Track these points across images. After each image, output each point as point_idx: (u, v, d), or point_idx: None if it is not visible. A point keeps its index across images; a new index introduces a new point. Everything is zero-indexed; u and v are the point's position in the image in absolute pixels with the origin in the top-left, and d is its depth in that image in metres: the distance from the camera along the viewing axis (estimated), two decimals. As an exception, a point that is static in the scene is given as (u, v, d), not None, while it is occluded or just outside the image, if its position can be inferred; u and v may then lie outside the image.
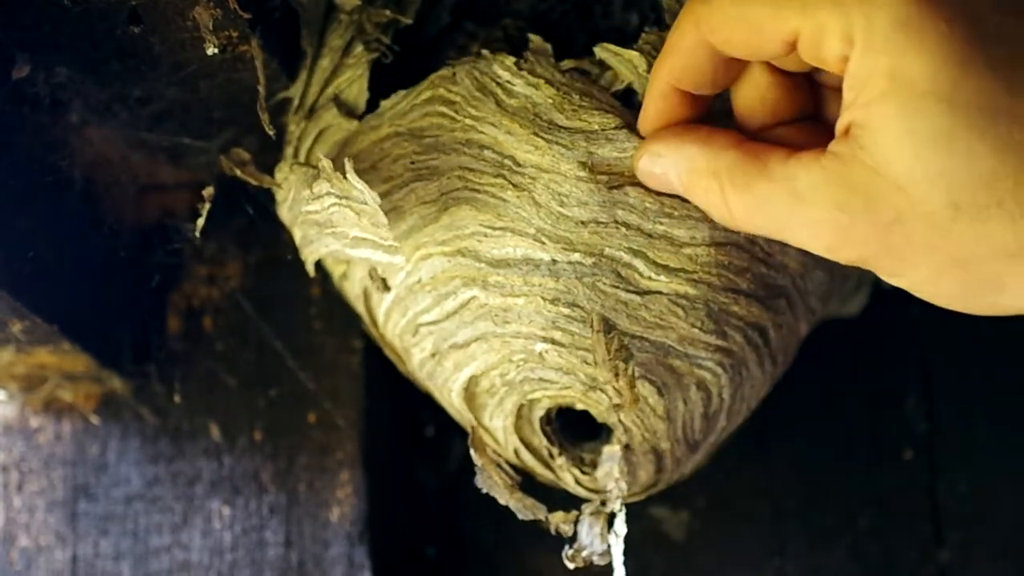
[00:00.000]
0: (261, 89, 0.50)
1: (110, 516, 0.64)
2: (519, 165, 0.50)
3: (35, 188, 0.57)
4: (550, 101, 0.50)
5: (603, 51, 0.51)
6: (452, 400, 0.56)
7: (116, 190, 0.64)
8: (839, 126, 0.40)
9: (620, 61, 0.50)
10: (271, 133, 0.50)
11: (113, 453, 0.65)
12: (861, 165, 0.39)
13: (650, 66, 0.49)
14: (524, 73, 0.50)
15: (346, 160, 0.49)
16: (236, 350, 0.65)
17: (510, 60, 0.51)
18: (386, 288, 0.55)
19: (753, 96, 0.45)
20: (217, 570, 0.63)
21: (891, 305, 0.67)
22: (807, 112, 0.46)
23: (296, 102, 0.56)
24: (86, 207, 0.62)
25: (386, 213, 0.50)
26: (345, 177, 0.49)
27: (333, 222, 0.52)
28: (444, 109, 0.51)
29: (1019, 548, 0.71)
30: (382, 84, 0.54)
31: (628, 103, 0.51)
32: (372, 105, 0.54)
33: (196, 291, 0.66)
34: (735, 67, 0.45)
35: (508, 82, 0.50)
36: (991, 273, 0.39)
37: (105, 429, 0.65)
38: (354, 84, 0.54)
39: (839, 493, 0.72)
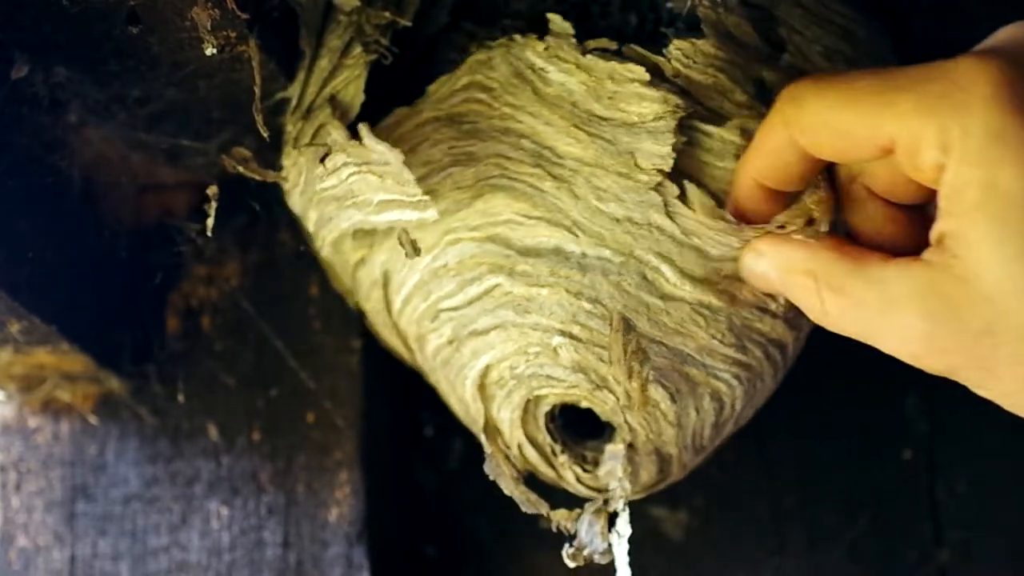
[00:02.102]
0: (257, 89, 0.50)
1: (108, 516, 0.64)
2: (559, 156, 0.50)
3: (34, 188, 0.57)
4: (584, 88, 0.50)
5: (630, 52, 0.51)
6: (466, 388, 0.56)
7: (115, 190, 0.64)
8: (933, 234, 0.40)
9: (646, 63, 0.50)
10: (265, 134, 0.50)
11: (111, 453, 0.65)
12: (951, 274, 0.39)
13: (676, 75, 0.49)
14: (555, 59, 0.50)
15: (361, 125, 0.49)
16: (235, 350, 0.65)
17: (540, 45, 0.50)
18: (417, 252, 0.52)
19: (869, 228, 0.45)
20: (215, 570, 0.63)
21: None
22: (924, 244, 0.45)
23: (294, 102, 0.56)
24: (85, 207, 0.63)
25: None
26: (361, 143, 0.49)
27: (354, 192, 0.51)
28: (482, 96, 0.51)
29: (1019, 548, 0.71)
30: (379, 84, 0.54)
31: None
32: (370, 105, 0.54)
33: (195, 291, 0.66)
34: (823, 164, 0.45)
35: (542, 69, 0.50)
36: None
37: (103, 429, 0.65)
38: (351, 85, 0.54)
39: (839, 493, 0.72)
